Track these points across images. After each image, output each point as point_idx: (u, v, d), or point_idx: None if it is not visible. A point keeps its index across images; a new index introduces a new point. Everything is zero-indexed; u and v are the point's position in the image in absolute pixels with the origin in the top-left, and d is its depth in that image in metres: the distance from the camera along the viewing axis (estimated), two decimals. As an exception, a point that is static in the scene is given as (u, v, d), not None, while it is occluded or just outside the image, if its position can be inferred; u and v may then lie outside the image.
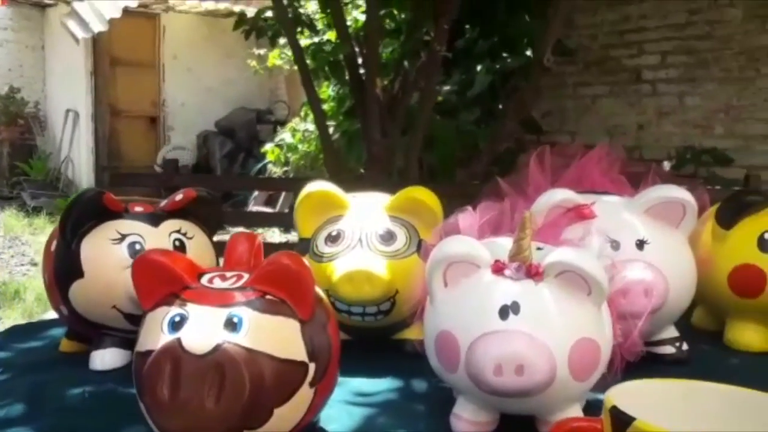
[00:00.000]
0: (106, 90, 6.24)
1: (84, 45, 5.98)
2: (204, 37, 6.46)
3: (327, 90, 4.12)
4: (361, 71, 2.60)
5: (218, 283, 0.62)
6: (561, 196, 0.91)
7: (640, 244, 0.89)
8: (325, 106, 4.28)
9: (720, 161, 3.52)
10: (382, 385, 0.87)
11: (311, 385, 0.62)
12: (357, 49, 2.64)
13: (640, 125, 3.91)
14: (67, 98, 6.35)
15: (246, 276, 0.62)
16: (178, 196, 0.95)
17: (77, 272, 0.90)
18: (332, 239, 0.96)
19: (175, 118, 6.56)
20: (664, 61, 3.82)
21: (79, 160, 6.28)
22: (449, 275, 0.72)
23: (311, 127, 4.15)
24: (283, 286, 0.61)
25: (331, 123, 4.23)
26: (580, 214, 0.92)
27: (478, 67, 3.90)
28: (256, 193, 4.95)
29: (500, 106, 3.75)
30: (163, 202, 0.97)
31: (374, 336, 0.99)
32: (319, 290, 0.68)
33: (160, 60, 6.53)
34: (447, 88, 3.97)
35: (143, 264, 0.62)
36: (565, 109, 4.22)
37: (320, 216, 1.00)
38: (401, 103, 2.72)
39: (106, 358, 0.92)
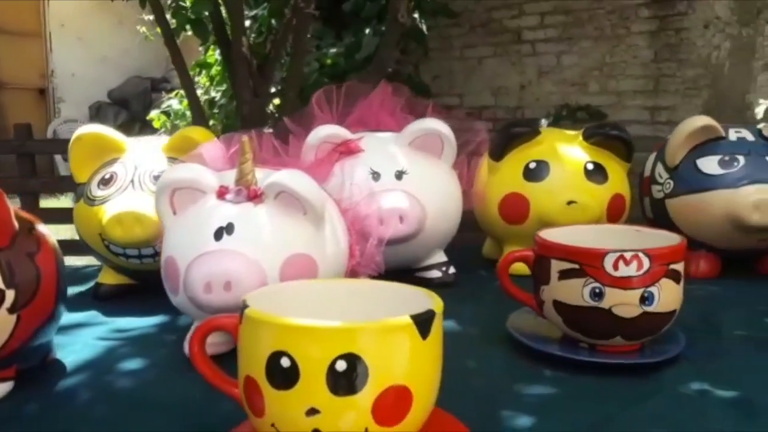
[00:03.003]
0: (-13, 61, 5.89)
1: (-41, 13, 5.61)
2: (93, 4, 6.16)
3: (213, 54, 4.03)
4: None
5: None
6: (327, 131, 0.94)
7: (399, 175, 0.93)
8: (213, 71, 4.17)
9: (594, 117, 3.68)
10: (145, 323, 0.88)
11: (11, 311, 0.62)
12: (222, 8, 2.59)
13: (522, 85, 4.02)
14: (-55, 71, 5.96)
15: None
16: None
17: None
18: (105, 182, 0.95)
19: (66, 90, 6.26)
20: (543, 21, 3.93)
21: (-38, 137, 5.93)
22: (177, 202, 0.73)
23: (199, 92, 4.05)
24: (-31, 214, 0.60)
25: (220, 88, 4.13)
26: (347, 148, 0.95)
27: (367, 30, 3.91)
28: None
29: (390, 69, 3.77)
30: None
31: (158, 278, 0.99)
32: (38, 224, 0.68)
33: (46, 28, 6.20)
34: (334, 50, 3.96)
35: None
36: (453, 71, 4.29)
37: (95, 160, 0.98)
38: (272, 62, 2.70)
39: None
